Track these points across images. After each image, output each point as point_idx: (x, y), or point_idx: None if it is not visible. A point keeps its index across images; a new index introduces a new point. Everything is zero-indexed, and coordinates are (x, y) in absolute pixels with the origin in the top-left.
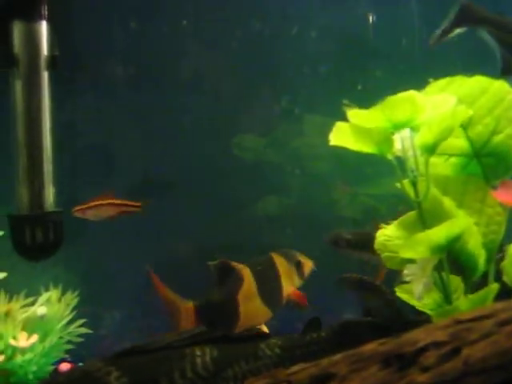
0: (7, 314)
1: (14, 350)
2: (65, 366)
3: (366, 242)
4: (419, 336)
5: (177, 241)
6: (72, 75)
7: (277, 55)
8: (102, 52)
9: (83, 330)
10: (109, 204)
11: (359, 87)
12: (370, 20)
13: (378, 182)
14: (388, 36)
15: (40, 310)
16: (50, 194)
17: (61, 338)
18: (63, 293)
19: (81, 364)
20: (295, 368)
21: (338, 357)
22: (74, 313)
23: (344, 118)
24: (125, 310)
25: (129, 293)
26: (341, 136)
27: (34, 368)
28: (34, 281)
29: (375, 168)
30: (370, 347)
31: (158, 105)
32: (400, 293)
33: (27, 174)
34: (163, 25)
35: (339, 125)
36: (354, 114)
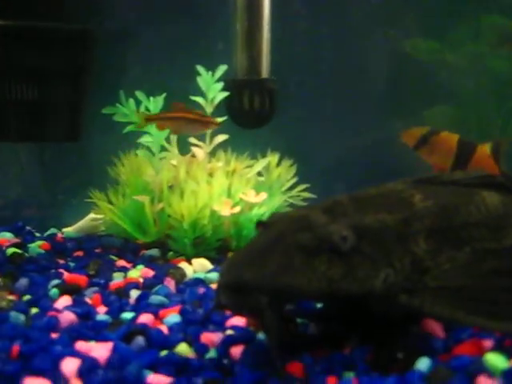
0: (234, 172)
1: (245, 204)
2: None
3: None
4: None
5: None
6: None
7: None
8: None
9: (306, 195)
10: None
11: None
12: None
13: None
14: None
15: (260, 172)
16: (267, 61)
17: (284, 200)
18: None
19: None
20: None
21: None
22: (294, 178)
23: None
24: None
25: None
26: None
27: None
28: (250, 145)
29: None
30: None
31: None
32: None
33: (246, 38)
34: None
35: None
36: None
